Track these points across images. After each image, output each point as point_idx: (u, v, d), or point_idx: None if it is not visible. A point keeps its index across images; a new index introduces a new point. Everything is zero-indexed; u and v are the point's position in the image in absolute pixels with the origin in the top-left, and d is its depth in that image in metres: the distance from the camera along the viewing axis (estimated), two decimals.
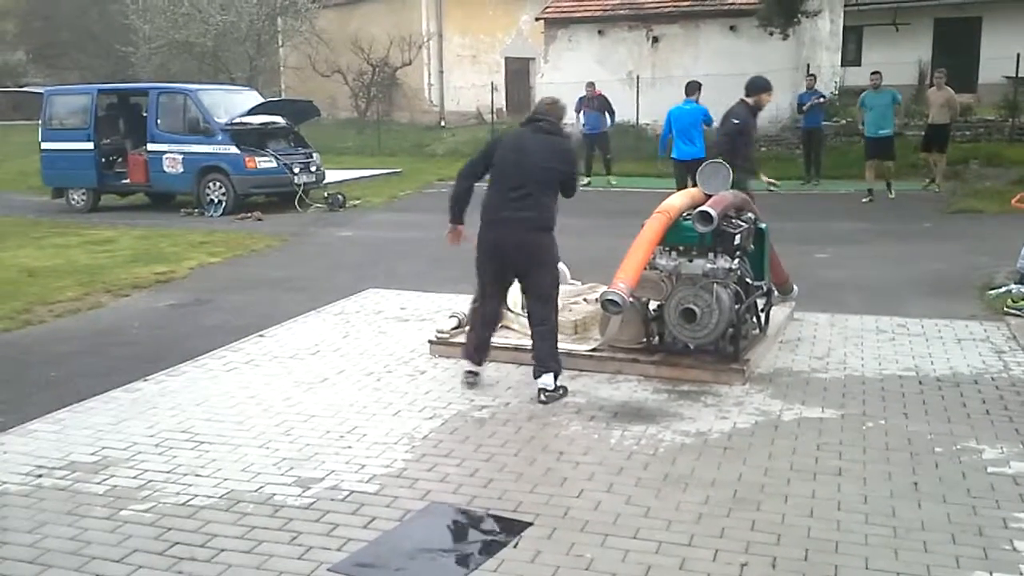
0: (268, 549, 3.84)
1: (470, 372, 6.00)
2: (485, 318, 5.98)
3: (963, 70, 23.77)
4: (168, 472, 4.66)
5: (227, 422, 5.38)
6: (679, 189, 11.82)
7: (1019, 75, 19.58)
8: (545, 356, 5.71)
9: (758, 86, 8.27)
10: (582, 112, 18.57)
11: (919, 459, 4.65)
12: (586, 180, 18.53)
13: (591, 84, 18.63)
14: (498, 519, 4.09)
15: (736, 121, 8.01)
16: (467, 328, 6.14)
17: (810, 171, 17.64)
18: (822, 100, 17.47)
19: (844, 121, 20.63)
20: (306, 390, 5.97)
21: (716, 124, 14.62)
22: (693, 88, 13.83)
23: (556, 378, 5.70)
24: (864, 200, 14.87)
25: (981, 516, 4.01)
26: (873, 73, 15.55)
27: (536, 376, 5.70)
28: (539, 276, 5.79)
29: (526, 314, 6.32)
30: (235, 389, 6.01)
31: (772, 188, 8.99)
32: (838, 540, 3.82)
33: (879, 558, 3.67)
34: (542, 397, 5.63)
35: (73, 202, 17.03)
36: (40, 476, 4.65)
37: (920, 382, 5.89)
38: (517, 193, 5.65)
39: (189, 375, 6.36)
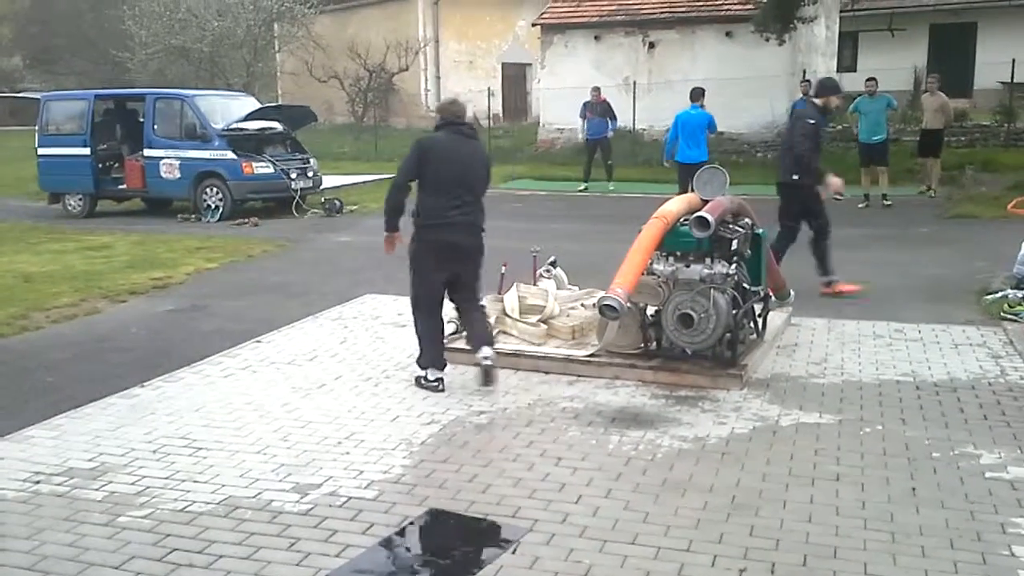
0: (266, 555, 3.84)
1: (438, 379, 6.10)
2: (440, 331, 6.25)
3: (959, 75, 23.87)
4: (166, 478, 4.65)
5: (225, 428, 5.38)
6: (681, 190, 12.38)
7: (1014, 80, 19.65)
8: (487, 332, 6.17)
9: (828, 87, 8.34)
10: (585, 117, 18.66)
11: (917, 464, 4.66)
12: (583, 185, 18.62)
13: (596, 89, 18.64)
14: (496, 525, 4.09)
15: (811, 121, 8.15)
16: (420, 339, 6.22)
17: None
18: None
19: (840, 127, 20.67)
20: (304, 396, 5.97)
21: (721, 129, 15.12)
22: (698, 94, 14.12)
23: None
24: (860, 205, 14.88)
25: (979, 521, 4.02)
26: (868, 79, 15.55)
27: (477, 350, 5.98)
28: (476, 271, 6.22)
29: (524, 319, 6.58)
30: (233, 395, 6.00)
31: (837, 198, 8.91)
32: (837, 545, 3.83)
33: (878, 563, 3.68)
34: (486, 362, 5.90)
35: (70, 207, 17.00)
36: (38, 482, 4.64)
37: (917, 387, 5.90)
38: (461, 199, 5.98)
39: (187, 381, 6.36)
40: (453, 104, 6.33)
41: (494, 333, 6.70)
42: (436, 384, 6.06)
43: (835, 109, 8.80)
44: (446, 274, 6.07)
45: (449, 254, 6.00)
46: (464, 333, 6.54)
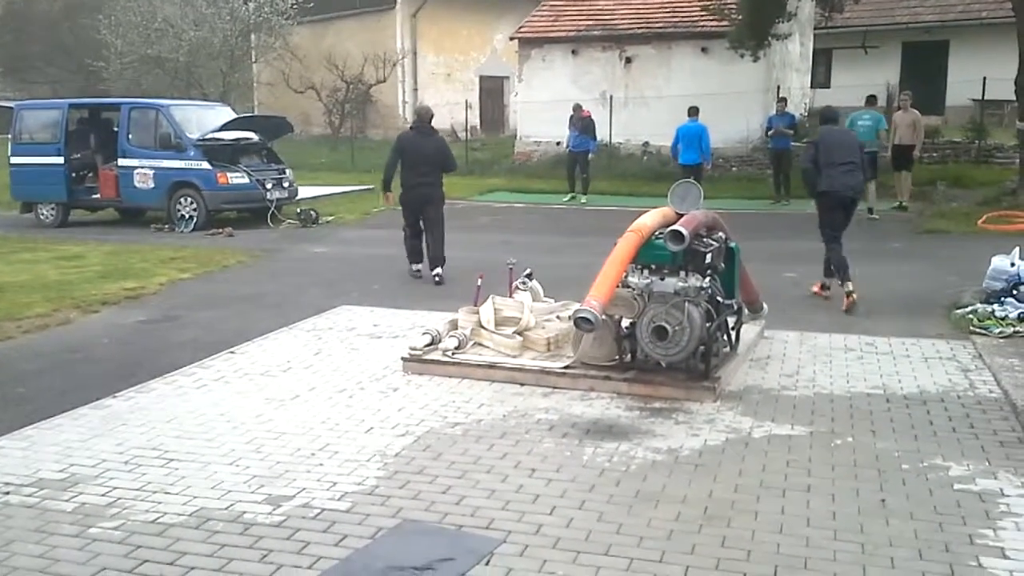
0: (238, 567, 3.82)
1: (417, 269, 10.70)
2: (415, 237, 10.70)
3: (931, 93, 24.14)
4: (137, 489, 4.62)
5: (197, 439, 5.35)
6: None
7: (985, 98, 19.92)
8: (440, 256, 10.48)
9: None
10: (569, 130, 18.98)
11: (887, 476, 4.71)
12: (570, 195, 18.78)
13: (577, 106, 19.02)
14: (470, 536, 4.09)
15: None
16: (407, 248, 10.79)
17: (779, 191, 17.87)
18: (790, 132, 17.74)
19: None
20: (277, 407, 5.94)
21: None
22: (694, 111, 17.13)
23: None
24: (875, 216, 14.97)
25: (947, 532, 4.06)
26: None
27: (432, 268, 10.47)
28: (435, 212, 10.56)
29: (500, 331, 6.64)
30: (205, 406, 5.97)
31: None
32: (807, 556, 3.86)
33: (848, 574, 3.71)
34: (437, 279, 10.33)
35: (42, 217, 16.88)
36: (7, 493, 4.60)
37: (888, 400, 5.96)
38: (419, 171, 10.33)
39: (159, 392, 6.32)
40: (420, 111, 11.05)
41: (469, 345, 6.76)
42: (413, 273, 10.68)
43: None
44: (415, 214, 10.56)
45: (413, 204, 10.51)
46: (438, 344, 6.78)
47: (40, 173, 16.45)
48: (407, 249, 10.73)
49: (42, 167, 16.44)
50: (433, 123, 10.68)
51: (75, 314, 8.96)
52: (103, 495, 4.56)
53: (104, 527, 4.20)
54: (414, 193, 10.41)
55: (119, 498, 4.52)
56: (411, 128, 10.79)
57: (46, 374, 6.93)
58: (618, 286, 6.02)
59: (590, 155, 18.83)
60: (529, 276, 7.80)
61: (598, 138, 19.30)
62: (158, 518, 4.29)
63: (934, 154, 19.47)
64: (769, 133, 17.78)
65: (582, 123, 18.68)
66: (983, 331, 7.59)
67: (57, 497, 4.55)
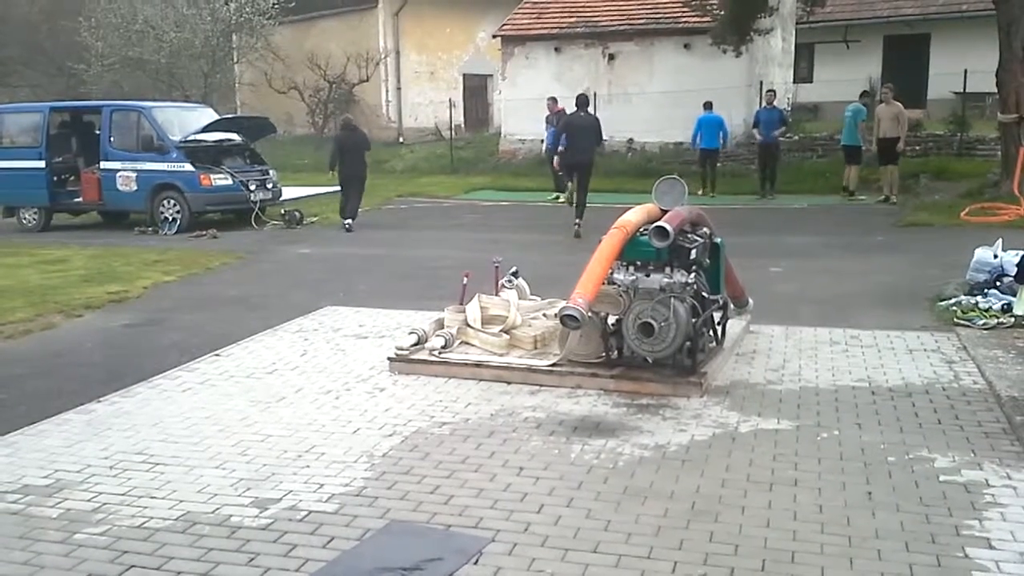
0: (225, 571, 3.80)
1: (349, 227, 15.27)
2: (350, 199, 15.44)
3: (913, 86, 24.24)
4: (123, 495, 4.59)
5: (183, 443, 5.32)
6: (702, 170, 18.75)
7: (966, 91, 20.03)
8: (355, 211, 15.38)
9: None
10: (546, 128, 18.94)
11: (873, 469, 4.72)
12: (554, 195, 18.72)
13: (551, 99, 18.89)
14: (459, 536, 4.09)
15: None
16: (343, 204, 15.67)
17: (765, 186, 17.92)
18: (784, 129, 18.17)
19: (798, 136, 20.95)
20: (263, 409, 5.92)
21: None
22: (709, 105, 18.90)
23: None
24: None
25: (934, 524, 4.08)
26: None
27: (344, 219, 15.26)
28: (362, 185, 15.59)
29: (487, 330, 6.65)
30: (191, 409, 5.94)
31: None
32: (794, 550, 3.87)
33: (835, 567, 3.72)
34: (347, 227, 15.19)
35: (24, 221, 16.79)
36: None
37: (873, 392, 5.98)
38: (356, 158, 15.31)
39: (143, 396, 6.28)
40: (347, 118, 16.57)
41: (455, 344, 6.75)
42: (346, 229, 15.14)
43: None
44: (349, 184, 15.36)
45: (353, 180, 15.36)
46: (424, 343, 6.79)
47: (22, 177, 16.37)
48: (344, 203, 15.53)
49: (24, 171, 16.35)
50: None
51: (58, 318, 8.89)
52: (88, 500, 4.53)
53: (90, 533, 4.17)
54: (352, 172, 15.30)
55: (104, 503, 4.49)
56: (343, 130, 16.04)
57: (30, 379, 6.87)
58: (604, 283, 6.03)
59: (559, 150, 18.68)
60: (515, 274, 7.79)
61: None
62: (144, 523, 4.26)
63: (916, 147, 19.56)
64: (758, 130, 17.90)
65: (555, 119, 18.62)
66: (967, 323, 7.63)
67: (42, 503, 4.51)
